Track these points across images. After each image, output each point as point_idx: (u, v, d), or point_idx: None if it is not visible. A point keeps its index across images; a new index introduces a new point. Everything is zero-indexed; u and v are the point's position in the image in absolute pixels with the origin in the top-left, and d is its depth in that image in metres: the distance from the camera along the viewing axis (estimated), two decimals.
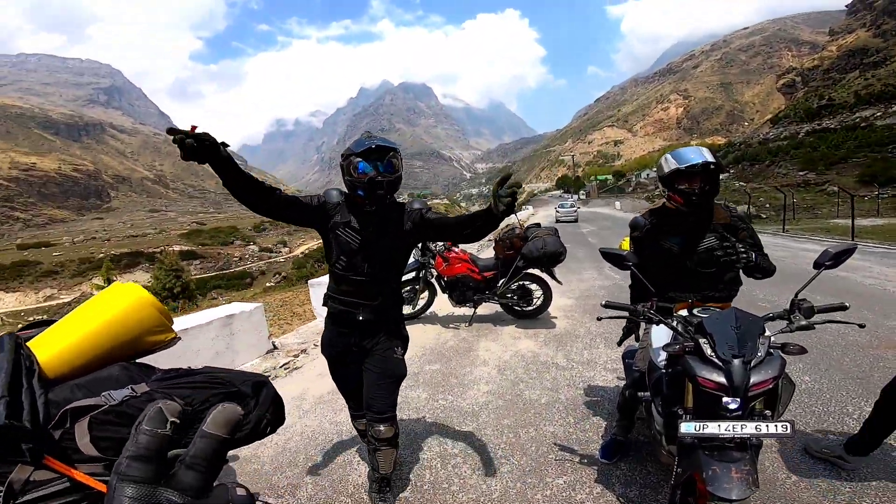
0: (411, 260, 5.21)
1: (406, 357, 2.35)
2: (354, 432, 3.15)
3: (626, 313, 1.92)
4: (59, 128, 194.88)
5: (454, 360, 4.49)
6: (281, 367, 4.61)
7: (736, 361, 1.51)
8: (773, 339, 1.62)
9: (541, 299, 5.63)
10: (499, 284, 5.58)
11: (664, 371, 1.87)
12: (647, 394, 2.14)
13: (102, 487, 1.32)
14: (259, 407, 1.67)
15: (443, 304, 6.26)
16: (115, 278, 23.29)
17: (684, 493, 1.66)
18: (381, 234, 2.09)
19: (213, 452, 1.45)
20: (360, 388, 2.35)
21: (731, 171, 45.30)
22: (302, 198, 2.07)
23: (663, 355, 1.87)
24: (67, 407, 1.37)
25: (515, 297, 5.63)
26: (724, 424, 1.50)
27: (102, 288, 22.02)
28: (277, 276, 51.35)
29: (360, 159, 1.96)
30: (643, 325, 2.39)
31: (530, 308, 5.65)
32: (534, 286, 5.65)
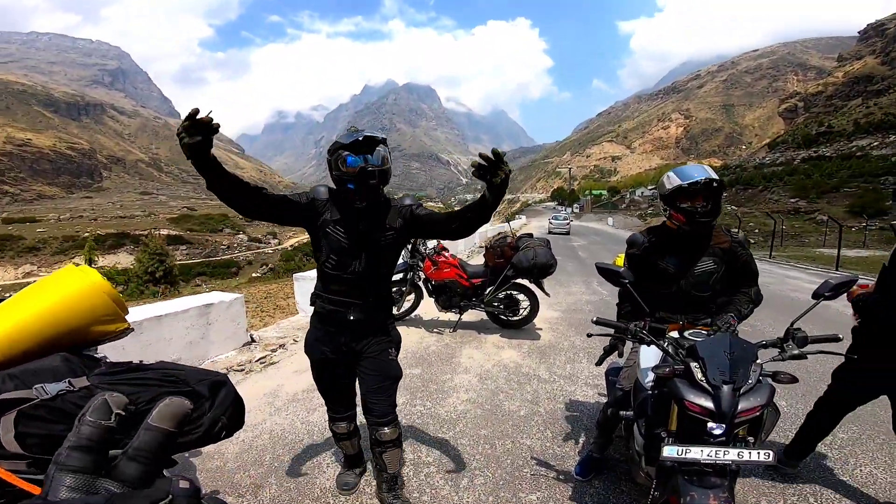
0: (400, 261, 5.14)
1: None
2: (327, 434, 3.06)
3: (617, 331, 1.87)
4: (59, 106, 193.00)
5: (435, 365, 4.41)
6: (257, 360, 4.50)
7: (725, 387, 1.49)
8: (764, 366, 1.60)
9: (527, 310, 5.58)
10: (486, 292, 5.52)
11: (650, 392, 1.82)
12: (630, 413, 2.11)
13: (26, 486, 1.22)
14: (215, 408, 1.57)
15: (428, 307, 6.18)
16: (97, 258, 22.86)
17: None
18: (372, 231, 2.03)
19: (157, 445, 1.38)
20: (344, 391, 2.31)
21: (724, 195, 45.95)
22: (290, 196, 2.00)
23: (651, 376, 1.84)
24: None
25: (502, 307, 5.57)
26: (706, 450, 1.48)
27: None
28: (264, 267, 50.93)
29: (347, 152, 1.89)
30: (629, 343, 2.34)
31: (516, 318, 5.60)
32: (521, 296, 5.59)
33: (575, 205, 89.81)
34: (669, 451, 1.51)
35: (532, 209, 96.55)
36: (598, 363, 2.43)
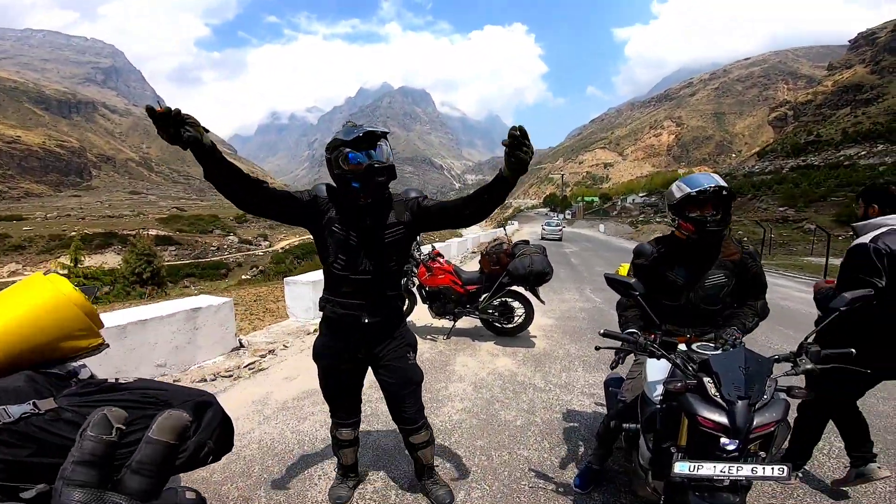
0: None
1: None
2: (319, 444, 2.98)
3: (626, 344, 1.82)
4: (50, 103, 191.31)
5: (429, 373, 4.32)
6: (245, 366, 4.39)
7: (740, 403, 1.45)
8: (778, 381, 1.57)
9: (522, 317, 5.52)
10: (481, 299, 5.45)
11: (659, 406, 1.76)
12: (633, 425, 2.06)
13: None
14: (200, 432, 1.47)
15: (422, 313, 6.10)
16: (83, 258, 22.44)
17: None
18: (380, 228, 1.95)
19: (160, 458, 1.34)
20: (351, 395, 2.24)
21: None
22: (293, 193, 1.91)
23: (659, 390, 1.79)
24: None
25: (497, 314, 5.51)
26: (719, 465, 1.46)
27: (68, 267, 21.25)
28: (255, 269, 50.49)
29: (349, 149, 1.81)
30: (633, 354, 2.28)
31: (511, 325, 5.54)
32: (516, 304, 5.54)
33: (567, 211, 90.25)
34: (681, 467, 1.48)
35: (524, 215, 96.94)
36: (613, 367, 2.35)
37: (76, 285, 1.73)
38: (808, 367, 1.60)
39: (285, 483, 2.55)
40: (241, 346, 4.89)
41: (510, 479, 2.61)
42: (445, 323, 5.72)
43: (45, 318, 1.46)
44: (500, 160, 1.59)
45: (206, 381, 4.09)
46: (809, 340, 1.67)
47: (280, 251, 60.68)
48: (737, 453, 1.48)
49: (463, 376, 4.24)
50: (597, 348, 1.89)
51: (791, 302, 8.88)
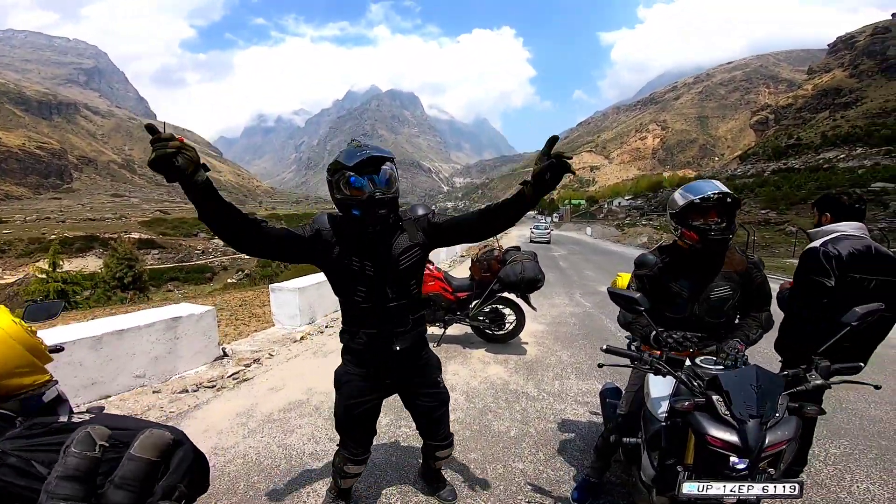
0: None
1: None
2: (306, 458, 2.87)
3: (630, 361, 1.74)
4: (30, 104, 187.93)
5: None
6: (229, 376, 4.24)
7: (752, 422, 1.40)
8: (789, 398, 1.51)
9: (513, 324, 5.45)
10: (471, 306, 5.36)
11: (664, 424, 1.70)
12: (633, 440, 2.00)
13: None
14: (170, 475, 1.37)
15: None
16: (62, 262, 21.88)
17: None
18: (396, 254, 1.85)
19: (142, 474, 1.31)
20: (369, 431, 2.12)
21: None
22: (293, 230, 1.79)
23: (664, 406, 1.72)
24: None
25: (487, 321, 5.42)
26: (729, 485, 1.41)
27: (46, 271, 20.70)
28: (240, 272, 49.84)
29: (351, 173, 1.70)
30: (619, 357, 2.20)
31: (502, 332, 5.45)
32: (507, 310, 5.46)
33: (554, 214, 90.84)
34: (690, 488, 1.43)
35: None
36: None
37: (40, 300, 1.62)
38: (818, 382, 1.55)
39: (272, 501, 2.44)
40: (225, 355, 4.74)
41: (506, 493, 2.52)
42: (435, 330, 5.62)
43: None
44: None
45: (187, 391, 3.94)
46: (818, 355, 1.61)
47: None
48: (747, 472, 1.43)
49: (454, 385, 4.14)
50: (600, 365, 1.81)
51: (773, 306, 8.97)
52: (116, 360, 3.73)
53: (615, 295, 1.89)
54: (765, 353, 4.76)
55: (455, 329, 5.86)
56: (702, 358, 1.77)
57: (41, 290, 19.86)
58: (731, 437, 1.40)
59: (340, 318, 2.01)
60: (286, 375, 4.36)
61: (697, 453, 1.52)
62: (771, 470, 1.52)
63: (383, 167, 1.73)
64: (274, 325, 6.24)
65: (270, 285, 6.58)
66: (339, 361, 2.09)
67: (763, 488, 1.40)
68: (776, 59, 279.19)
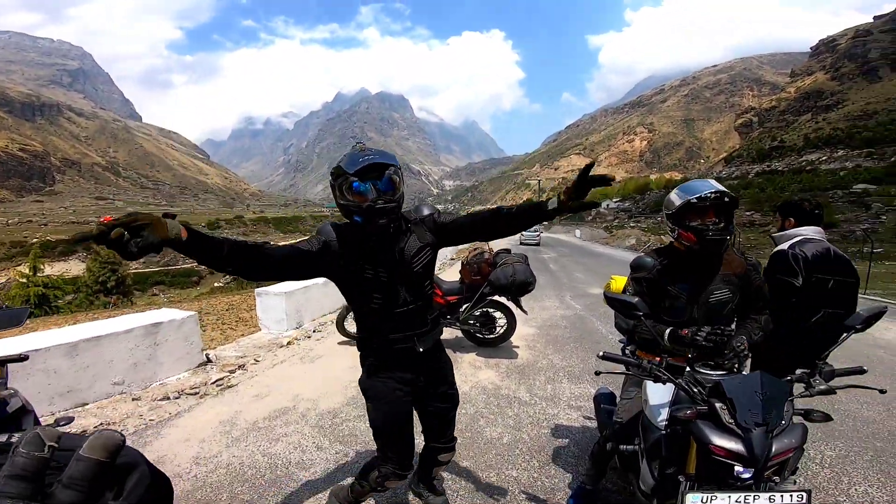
0: None
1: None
2: (292, 468, 2.77)
3: (628, 368, 1.68)
4: (13, 106, 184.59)
5: None
6: (213, 383, 4.12)
7: (757, 430, 1.34)
8: (795, 405, 1.46)
9: (504, 328, 5.38)
10: (462, 310, 5.27)
11: (664, 432, 1.63)
12: (630, 447, 1.95)
13: None
14: (123, 501, 1.28)
15: None
16: (43, 266, 21.38)
17: None
18: (408, 257, 1.80)
19: (91, 474, 1.19)
20: (412, 439, 2.00)
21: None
22: (299, 246, 1.70)
23: (664, 414, 1.65)
24: None
25: (478, 324, 5.35)
26: (734, 495, 1.37)
27: (27, 276, 20.23)
28: (227, 276, 49.21)
29: (354, 178, 1.63)
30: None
31: (493, 336, 5.38)
32: (498, 314, 5.39)
33: None
34: (693, 499, 1.38)
35: None
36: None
37: (4, 306, 1.52)
38: (823, 387, 1.50)
39: None
40: (209, 361, 4.60)
41: (500, 503, 2.45)
42: None
43: None
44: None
45: (168, 398, 3.81)
46: (824, 359, 1.56)
47: None
48: (752, 481, 1.38)
49: None
50: (597, 373, 1.74)
51: None
52: (93, 368, 3.60)
53: (612, 300, 1.82)
54: None
55: (445, 333, 5.76)
56: (701, 364, 1.72)
57: (22, 295, 19.39)
58: (736, 447, 1.35)
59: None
60: (272, 382, 4.24)
61: (700, 462, 1.47)
62: (776, 478, 1.47)
63: (387, 173, 1.66)
64: (260, 330, 6.11)
65: (256, 290, 6.42)
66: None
67: (769, 498, 1.34)
68: (760, 62, 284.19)
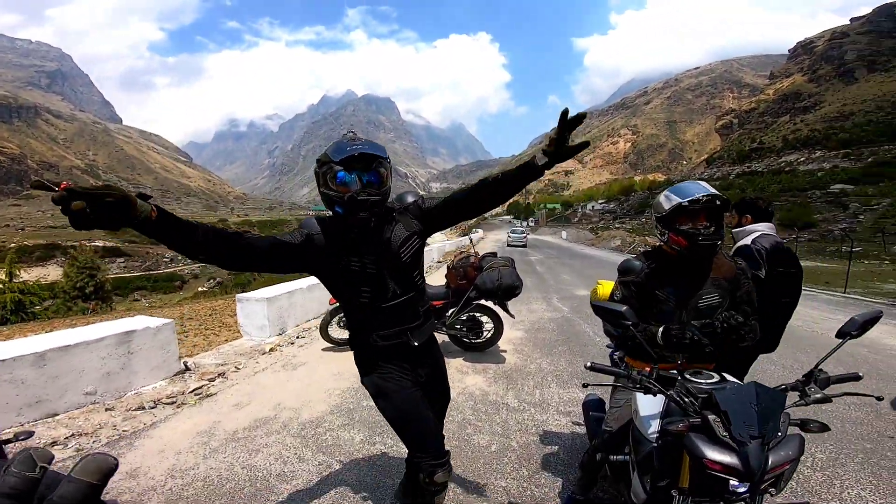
0: None
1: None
2: (273, 480, 2.65)
3: (617, 379, 1.60)
4: None
5: None
6: (191, 392, 3.97)
7: (753, 443, 1.27)
8: (791, 415, 1.40)
9: (491, 332, 5.31)
10: (448, 314, 5.18)
11: (655, 445, 1.56)
12: (621, 457, 1.90)
13: None
14: None
15: None
16: (19, 272, 20.75)
17: None
18: (396, 247, 1.71)
19: (81, 496, 1.19)
20: (431, 417, 1.88)
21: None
22: (281, 238, 1.59)
23: (654, 426, 1.59)
24: None
25: (465, 329, 5.26)
26: None
27: (3, 281, 19.61)
28: (212, 280, 48.47)
29: (339, 168, 1.55)
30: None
31: (479, 340, 5.30)
32: (484, 318, 5.31)
33: (530, 219, 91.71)
34: None
35: (488, 223, 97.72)
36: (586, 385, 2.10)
37: None
38: (819, 396, 1.45)
39: None
40: (187, 369, 4.45)
41: None
42: None
43: None
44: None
45: (144, 408, 3.66)
46: (820, 367, 1.51)
47: None
48: (748, 495, 1.32)
49: None
50: (584, 385, 1.67)
51: None
52: (63, 377, 3.44)
53: (599, 308, 1.74)
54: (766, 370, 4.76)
55: None
56: (691, 371, 1.65)
57: None
58: (731, 460, 1.28)
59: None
60: (253, 390, 4.10)
61: (693, 476, 1.40)
62: (772, 490, 1.41)
63: (374, 166, 1.59)
64: (242, 337, 5.94)
65: (238, 296, 6.25)
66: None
67: None
68: (740, 65, 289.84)
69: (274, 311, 5.83)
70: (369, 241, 1.68)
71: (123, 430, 3.33)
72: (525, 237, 34.69)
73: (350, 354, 1.93)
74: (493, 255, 5.28)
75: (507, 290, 4.77)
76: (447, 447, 1.87)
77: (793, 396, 1.48)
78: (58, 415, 3.47)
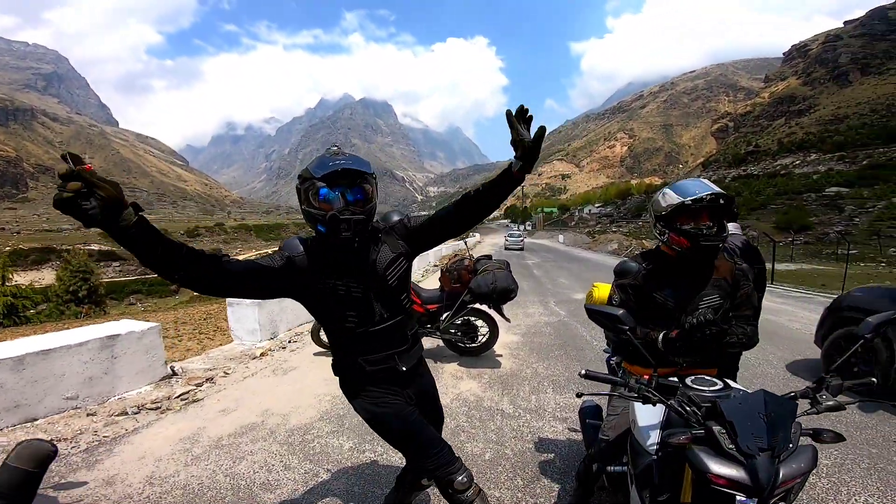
0: None
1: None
2: (256, 489, 2.55)
3: (614, 388, 1.50)
4: None
5: None
6: (177, 397, 3.86)
7: (762, 456, 1.17)
8: (802, 424, 1.30)
9: (486, 336, 5.21)
10: (442, 318, 5.08)
11: (655, 457, 1.46)
12: (618, 468, 1.82)
13: None
14: None
15: None
16: (12, 275, 20.53)
17: None
18: (381, 269, 1.62)
19: (17, 483, 1.20)
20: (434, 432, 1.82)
21: None
22: (260, 262, 1.52)
23: (654, 437, 1.49)
24: None
25: (459, 333, 5.15)
26: None
27: None
28: None
29: (322, 184, 1.46)
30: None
31: (474, 345, 5.20)
32: (479, 322, 5.21)
33: (527, 222, 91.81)
34: None
35: (486, 227, 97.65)
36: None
37: None
38: (831, 403, 1.35)
39: None
40: (174, 374, 4.33)
41: None
42: None
43: None
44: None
45: (126, 414, 3.55)
46: (831, 372, 1.41)
47: None
48: None
49: None
50: (578, 395, 1.57)
51: None
52: (43, 382, 3.34)
53: (594, 312, 1.65)
54: (767, 374, 4.68)
55: (425, 343, 5.58)
56: (693, 378, 1.55)
57: None
58: (739, 475, 1.18)
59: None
60: (241, 396, 4.00)
61: (696, 491, 1.31)
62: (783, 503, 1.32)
63: (359, 182, 1.50)
64: (233, 341, 5.83)
65: (228, 299, 6.14)
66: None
67: None
68: (735, 68, 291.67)
69: (265, 315, 5.71)
70: (354, 262, 1.59)
71: (104, 436, 3.23)
72: (522, 241, 35.30)
73: None
74: (488, 258, 5.18)
75: (502, 294, 4.67)
76: None
77: (803, 405, 1.39)
78: (37, 420, 3.38)
